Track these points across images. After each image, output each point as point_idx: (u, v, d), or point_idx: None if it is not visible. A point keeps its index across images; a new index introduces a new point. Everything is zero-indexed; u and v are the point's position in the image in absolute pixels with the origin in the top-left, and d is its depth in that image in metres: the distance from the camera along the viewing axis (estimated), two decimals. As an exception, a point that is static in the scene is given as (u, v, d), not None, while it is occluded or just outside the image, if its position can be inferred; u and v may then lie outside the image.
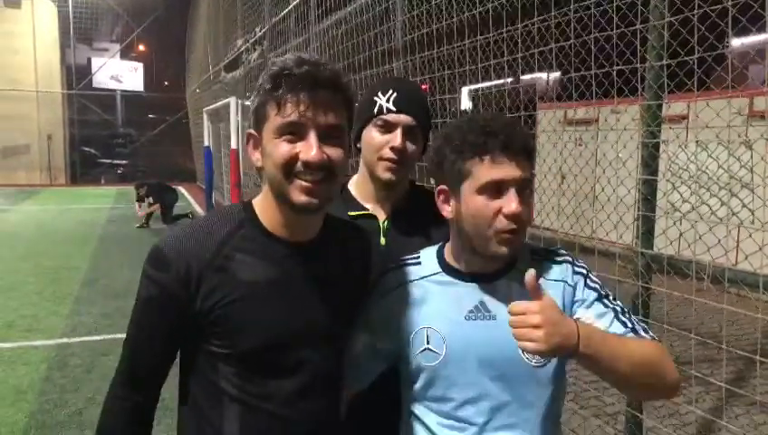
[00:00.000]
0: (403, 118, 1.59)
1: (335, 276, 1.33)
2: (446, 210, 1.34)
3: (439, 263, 1.41)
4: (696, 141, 2.91)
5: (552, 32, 3.14)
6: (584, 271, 1.38)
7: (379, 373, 1.46)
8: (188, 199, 17.66)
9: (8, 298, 6.88)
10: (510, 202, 1.24)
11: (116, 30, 26.88)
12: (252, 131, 1.26)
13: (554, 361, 1.31)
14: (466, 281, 1.36)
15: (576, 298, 1.34)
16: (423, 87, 4.20)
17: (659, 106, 2.59)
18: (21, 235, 11.48)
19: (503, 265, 1.35)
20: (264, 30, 9.75)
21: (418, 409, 1.40)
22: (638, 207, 2.67)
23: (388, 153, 1.58)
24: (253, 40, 10.85)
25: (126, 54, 26.70)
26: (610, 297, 1.35)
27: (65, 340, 5.51)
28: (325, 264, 1.32)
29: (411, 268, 1.44)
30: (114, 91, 26.29)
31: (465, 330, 1.32)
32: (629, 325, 1.30)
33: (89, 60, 25.85)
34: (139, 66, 26.67)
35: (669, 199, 2.98)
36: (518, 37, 3.29)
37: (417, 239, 1.57)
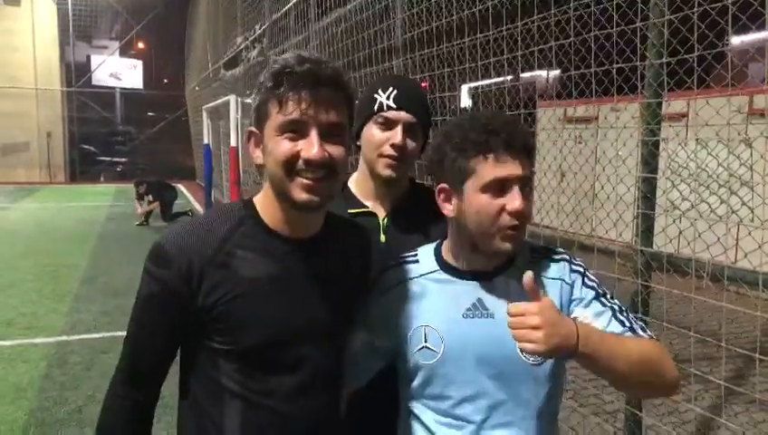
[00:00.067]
0: (403, 115, 1.60)
1: (335, 274, 1.33)
2: (447, 209, 1.34)
3: (437, 261, 1.42)
4: (696, 139, 2.91)
5: (551, 29, 3.14)
6: (581, 269, 1.38)
7: (378, 371, 1.47)
8: (188, 197, 17.66)
9: (8, 296, 6.88)
10: (514, 199, 1.25)
11: (115, 27, 26.84)
12: (253, 129, 1.26)
13: (552, 359, 1.31)
14: (464, 279, 1.36)
15: (574, 296, 1.34)
16: (423, 85, 4.19)
17: (659, 104, 2.59)
18: (20, 232, 11.48)
19: (501, 264, 1.36)
20: (263, 27, 9.75)
21: (416, 407, 1.40)
22: (638, 205, 2.68)
23: (388, 150, 1.59)
24: (252, 37, 10.84)
25: (125, 52, 26.66)
26: (608, 296, 1.36)
27: (65, 337, 5.51)
28: (326, 261, 1.32)
29: (409, 266, 1.44)
30: (113, 88, 26.24)
31: (463, 328, 1.32)
32: (627, 324, 1.30)
33: (88, 57, 25.81)
34: (139, 64, 26.63)
35: (669, 197, 2.99)
36: (518, 35, 3.29)
37: (416, 237, 1.57)
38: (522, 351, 1.16)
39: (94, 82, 25.55)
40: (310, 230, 1.31)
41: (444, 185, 1.34)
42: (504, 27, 3.41)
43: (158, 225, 12.14)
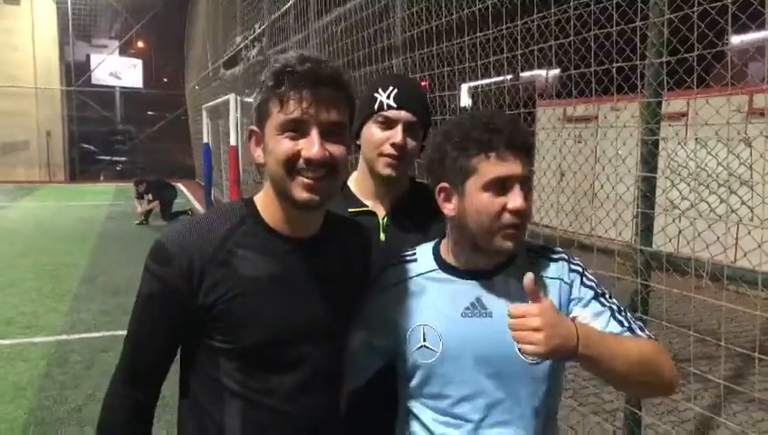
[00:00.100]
0: (403, 114, 1.60)
1: (336, 273, 1.34)
2: (448, 208, 1.34)
3: (435, 260, 1.42)
4: (696, 139, 2.91)
5: (551, 29, 3.14)
6: (580, 269, 1.39)
7: (377, 370, 1.47)
8: (187, 196, 17.65)
9: (7, 295, 6.88)
10: (515, 198, 1.25)
11: (115, 27, 26.81)
12: (254, 128, 1.26)
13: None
14: (463, 278, 1.37)
15: (572, 296, 1.35)
16: (422, 84, 4.19)
17: (659, 103, 2.59)
18: (20, 232, 11.47)
19: (500, 263, 1.36)
20: (263, 27, 9.75)
21: (415, 406, 1.40)
22: (638, 205, 2.68)
23: (388, 149, 1.59)
24: (252, 37, 10.84)
25: (125, 51, 26.63)
26: (606, 295, 1.36)
27: (64, 337, 5.51)
28: (326, 260, 1.32)
29: (407, 266, 1.44)
30: (113, 87, 26.21)
31: (462, 327, 1.32)
32: (626, 324, 1.31)
33: (88, 56, 25.78)
34: (138, 63, 26.60)
35: (668, 197, 2.99)
36: (518, 34, 3.29)
37: (416, 236, 1.57)
38: (522, 352, 1.16)
39: (94, 81, 25.52)
40: (310, 229, 1.31)
41: (444, 184, 1.34)
42: (504, 26, 3.41)
43: (157, 224, 12.14)
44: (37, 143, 23.87)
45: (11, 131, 23.02)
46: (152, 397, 1.32)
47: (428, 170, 1.40)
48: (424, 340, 1.35)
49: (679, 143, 3.13)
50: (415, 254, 1.46)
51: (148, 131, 26.42)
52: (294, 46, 7.83)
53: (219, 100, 11.56)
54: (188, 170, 23.08)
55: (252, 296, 1.23)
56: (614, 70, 2.75)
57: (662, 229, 2.78)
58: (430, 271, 1.41)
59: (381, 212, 1.67)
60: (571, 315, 1.32)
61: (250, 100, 9.67)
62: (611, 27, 2.73)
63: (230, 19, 13.02)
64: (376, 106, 1.61)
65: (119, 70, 26.14)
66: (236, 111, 9.94)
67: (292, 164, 1.19)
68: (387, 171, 1.60)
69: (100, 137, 25.98)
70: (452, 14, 3.85)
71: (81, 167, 25.41)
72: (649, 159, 2.62)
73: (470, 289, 1.35)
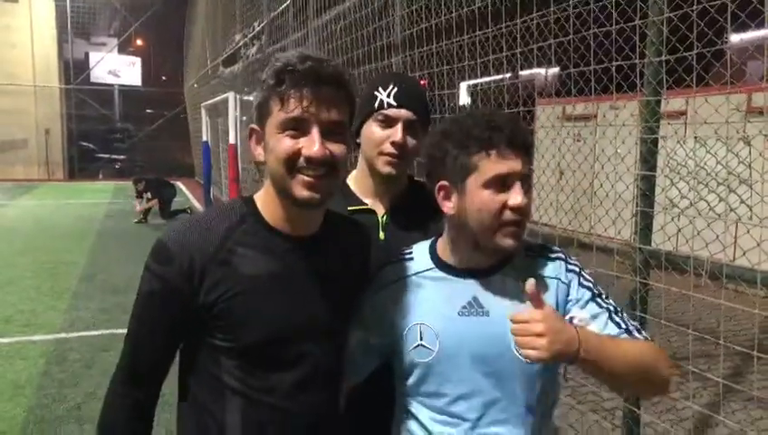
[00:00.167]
0: (404, 113, 1.60)
1: (335, 271, 1.34)
2: (447, 206, 1.34)
3: (432, 258, 1.42)
4: (695, 137, 2.91)
5: (551, 27, 3.14)
6: (577, 268, 1.39)
7: (374, 369, 1.47)
8: (187, 195, 17.64)
9: (6, 293, 6.88)
10: (516, 195, 1.25)
11: (114, 25, 26.77)
12: (254, 126, 1.27)
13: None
14: (460, 277, 1.37)
15: (570, 296, 1.35)
16: (422, 82, 4.19)
17: (658, 102, 2.59)
18: (19, 230, 11.47)
19: (497, 261, 1.36)
20: (262, 25, 9.74)
21: (412, 404, 1.40)
22: (637, 203, 2.68)
23: (388, 148, 1.59)
24: (251, 35, 10.84)
25: (124, 49, 26.60)
26: (603, 296, 1.36)
27: (63, 335, 5.51)
28: (326, 259, 1.32)
29: (404, 264, 1.44)
30: (112, 85, 26.20)
31: (459, 326, 1.32)
32: (623, 326, 1.31)
33: (86, 54, 25.75)
34: (137, 61, 26.58)
35: (668, 195, 2.99)
36: (517, 33, 3.29)
37: (415, 234, 1.57)
38: (525, 358, 1.16)
39: (93, 79, 25.49)
40: (310, 228, 1.31)
41: (444, 182, 1.33)
42: (504, 24, 3.41)
43: (156, 222, 12.14)
44: (36, 141, 23.85)
45: (10, 129, 23.00)
46: (152, 396, 1.32)
47: (427, 169, 1.39)
48: (421, 339, 1.34)
49: (678, 142, 3.13)
50: (411, 252, 1.46)
51: (147, 130, 26.41)
52: (293, 44, 7.83)
53: (218, 98, 11.55)
54: (187, 169, 23.07)
55: (252, 295, 1.23)
56: (613, 68, 2.75)
57: (661, 228, 2.79)
58: (427, 270, 1.41)
59: (380, 210, 1.67)
60: (568, 316, 1.32)
61: (249, 98, 9.68)
62: (611, 26, 2.73)
63: (229, 17, 13.01)
64: (376, 104, 1.61)
65: (117, 68, 26.12)
66: (235, 109, 9.93)
67: (292, 162, 1.19)
68: (387, 170, 1.60)
69: (99, 135, 25.97)
70: (451, 12, 3.84)
71: (80, 165, 25.40)
72: (648, 157, 2.63)
73: (467, 288, 1.35)
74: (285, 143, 1.19)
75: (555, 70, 4.50)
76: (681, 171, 3.07)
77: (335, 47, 5.88)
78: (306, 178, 1.19)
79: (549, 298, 1.33)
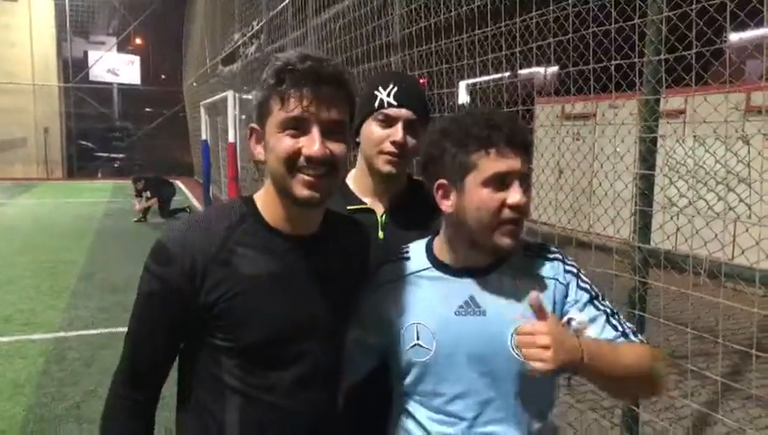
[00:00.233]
0: (404, 112, 1.60)
1: (335, 271, 1.34)
2: (446, 205, 1.34)
3: (429, 258, 1.42)
4: (694, 136, 2.91)
5: (550, 26, 3.14)
6: (575, 270, 1.39)
7: (372, 368, 1.47)
8: (186, 193, 17.63)
9: (5, 292, 6.87)
10: (515, 193, 1.26)
11: (113, 23, 26.76)
12: (255, 126, 1.27)
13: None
14: (456, 276, 1.37)
15: (568, 298, 1.35)
16: (421, 81, 4.19)
17: (657, 101, 2.59)
18: (18, 228, 11.46)
19: (494, 260, 1.36)
20: (261, 23, 9.74)
21: (409, 403, 1.40)
22: (636, 202, 2.68)
23: (388, 147, 1.59)
24: (250, 33, 10.83)
25: (123, 48, 26.58)
26: (600, 298, 1.37)
27: (63, 334, 5.51)
28: (326, 258, 1.33)
29: (400, 264, 1.44)
30: (111, 84, 26.18)
31: (455, 325, 1.32)
32: (620, 329, 1.33)
33: (85, 53, 25.73)
34: (136, 60, 26.56)
35: (666, 194, 2.99)
36: (516, 31, 3.29)
37: (414, 233, 1.57)
38: (532, 369, 1.16)
39: (92, 77, 25.47)
40: (310, 227, 1.31)
41: (442, 181, 1.33)
42: (503, 23, 3.41)
43: (155, 221, 12.14)
44: (35, 140, 23.84)
45: (8, 128, 22.99)
46: (153, 397, 1.32)
47: (425, 167, 1.39)
48: (417, 338, 1.35)
49: (677, 141, 3.13)
50: (408, 252, 1.46)
51: (147, 128, 26.39)
52: (292, 43, 7.82)
53: (217, 97, 11.54)
54: (187, 167, 23.05)
55: (252, 295, 1.23)
56: (612, 67, 2.75)
57: (660, 227, 2.79)
58: (424, 269, 1.41)
59: (380, 209, 1.67)
60: (566, 317, 1.33)
61: (248, 96, 9.67)
62: (610, 25, 2.73)
63: (228, 16, 13.00)
64: (376, 104, 1.61)
65: (116, 66, 26.10)
66: (235, 107, 9.92)
67: (292, 162, 1.19)
68: (387, 169, 1.60)
69: (98, 134, 25.95)
70: (450, 10, 3.84)
71: (79, 164, 25.38)
72: (647, 156, 2.63)
73: (464, 287, 1.35)
74: (285, 142, 1.19)
75: (554, 69, 4.50)
76: (680, 170, 3.07)
77: (334, 46, 5.88)
78: (306, 178, 1.19)
79: (546, 298, 1.33)
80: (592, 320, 1.33)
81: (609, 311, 1.35)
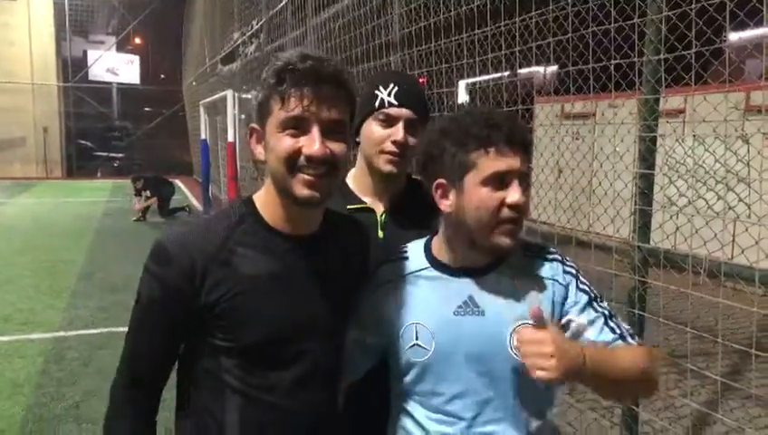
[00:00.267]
0: (404, 111, 1.60)
1: (335, 271, 1.34)
2: (445, 204, 1.34)
3: (427, 258, 1.42)
4: (693, 135, 2.91)
5: (549, 25, 3.14)
6: (574, 271, 1.40)
7: (372, 368, 1.47)
8: (185, 193, 17.62)
9: (5, 292, 6.87)
10: (514, 192, 1.26)
11: (112, 22, 26.75)
12: (255, 125, 1.27)
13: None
14: (455, 276, 1.37)
15: (568, 299, 1.36)
16: (420, 80, 4.19)
17: (657, 100, 2.59)
18: (17, 228, 11.46)
19: (493, 260, 1.36)
20: (260, 23, 9.73)
21: (408, 403, 1.40)
22: (635, 202, 2.68)
23: (389, 147, 1.59)
24: (249, 33, 10.82)
25: (122, 47, 26.58)
26: (599, 299, 1.38)
27: (62, 333, 5.50)
28: (326, 258, 1.33)
29: (400, 264, 1.44)
30: (110, 83, 26.17)
31: (454, 326, 1.33)
32: (618, 331, 1.33)
33: (85, 52, 25.72)
34: (136, 59, 26.55)
35: (666, 193, 2.99)
36: (516, 31, 3.29)
37: (414, 233, 1.57)
38: (536, 378, 1.16)
39: (91, 77, 25.47)
40: (310, 227, 1.31)
41: (441, 180, 1.33)
42: (502, 23, 3.41)
43: (155, 220, 12.14)
44: (34, 139, 23.83)
45: (8, 128, 22.99)
46: (155, 400, 1.32)
47: (424, 167, 1.39)
48: (416, 338, 1.35)
49: (677, 140, 3.13)
50: (406, 252, 1.46)
51: (146, 128, 26.39)
52: (292, 42, 7.82)
53: (217, 96, 11.54)
54: (186, 167, 23.05)
55: (252, 295, 1.23)
56: (612, 67, 2.75)
57: (660, 226, 2.79)
58: (422, 269, 1.41)
59: (380, 209, 1.67)
60: (566, 318, 1.34)
61: (248, 96, 9.66)
62: (609, 24, 2.73)
63: (227, 15, 12.98)
64: (377, 103, 1.61)
65: (116, 66, 26.09)
66: (234, 107, 9.91)
67: (293, 161, 1.19)
68: (388, 168, 1.61)
69: (98, 133, 25.95)
70: (450, 10, 3.84)
71: (78, 163, 25.38)
72: (647, 155, 2.63)
73: (462, 287, 1.35)
74: (286, 142, 1.19)
75: (554, 68, 4.50)
76: (679, 169, 3.07)
77: (333, 45, 5.87)
78: (306, 177, 1.19)
79: (545, 299, 1.34)
80: (591, 322, 1.33)
81: (607, 313, 1.35)
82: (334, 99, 1.20)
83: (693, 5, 2.37)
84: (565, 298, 1.35)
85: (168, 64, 26.45)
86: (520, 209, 1.27)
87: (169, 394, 1.35)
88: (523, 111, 3.62)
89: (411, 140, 1.61)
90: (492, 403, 1.32)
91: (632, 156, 2.80)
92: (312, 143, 1.18)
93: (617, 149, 3.25)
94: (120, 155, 26.41)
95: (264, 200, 1.30)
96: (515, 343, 1.28)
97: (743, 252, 2.70)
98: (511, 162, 1.26)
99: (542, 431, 1.37)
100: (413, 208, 1.63)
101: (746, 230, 2.57)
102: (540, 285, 1.35)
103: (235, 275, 1.23)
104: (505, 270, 1.35)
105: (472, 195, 1.28)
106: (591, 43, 2.85)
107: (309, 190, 1.20)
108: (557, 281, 1.36)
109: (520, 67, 3.57)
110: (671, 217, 2.82)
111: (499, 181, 1.26)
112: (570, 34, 2.99)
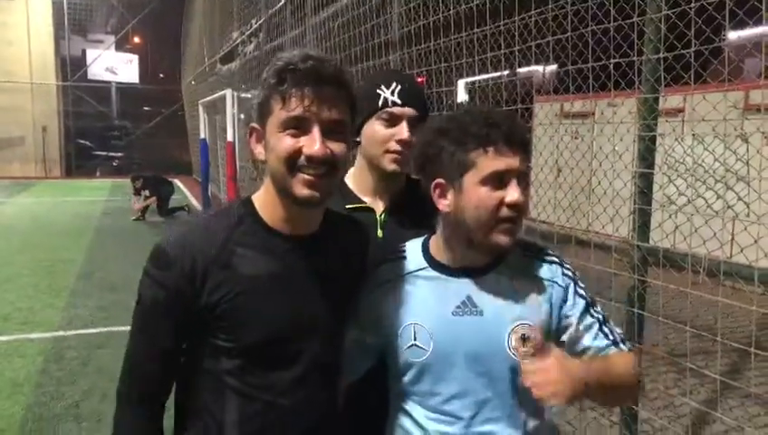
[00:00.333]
0: (408, 110, 1.61)
1: (335, 271, 1.34)
2: (443, 204, 1.34)
3: (425, 257, 1.42)
4: (693, 134, 2.91)
5: (549, 24, 3.14)
6: (572, 274, 1.41)
7: (371, 367, 1.48)
8: (184, 192, 17.61)
9: (4, 291, 6.87)
10: (513, 192, 1.26)
11: (111, 22, 26.73)
12: (255, 125, 1.27)
13: (540, 355, 1.34)
14: (454, 276, 1.37)
15: (567, 302, 1.37)
16: (420, 79, 4.19)
17: (656, 99, 2.59)
18: (16, 227, 11.45)
19: (492, 260, 1.36)
20: (259, 22, 9.72)
21: (407, 403, 1.41)
22: (635, 201, 2.68)
23: (394, 146, 1.59)
24: (249, 32, 10.81)
25: (121, 46, 26.55)
26: (595, 305, 1.40)
27: (61, 333, 5.50)
28: (325, 258, 1.33)
29: (398, 263, 1.44)
30: (109, 83, 26.14)
31: (453, 326, 1.33)
32: (611, 337, 1.36)
33: (83, 51, 25.70)
34: (135, 58, 26.52)
35: (665, 192, 2.99)
36: (515, 30, 3.29)
37: (413, 232, 1.57)
38: (545, 403, 1.17)
39: (90, 76, 25.44)
40: (309, 227, 1.31)
41: (440, 180, 1.33)
42: (502, 22, 3.41)
43: (154, 220, 12.14)
44: (33, 139, 23.82)
45: (7, 127, 22.98)
46: (163, 406, 1.32)
47: (422, 167, 1.39)
48: (415, 338, 1.35)
49: (676, 139, 3.13)
50: (404, 251, 1.46)
51: (145, 127, 26.37)
52: (291, 41, 7.81)
53: (216, 95, 11.53)
54: (185, 166, 23.03)
55: (252, 295, 1.23)
56: (611, 66, 2.75)
57: (659, 225, 2.79)
58: (420, 269, 1.41)
59: (379, 208, 1.67)
60: (564, 320, 1.35)
61: (247, 95, 9.66)
62: (609, 23, 2.73)
63: (227, 14, 12.97)
64: (380, 103, 1.61)
65: (115, 65, 26.06)
66: (233, 106, 9.91)
67: (293, 161, 1.19)
68: (392, 167, 1.61)
69: (97, 132, 25.94)
70: (449, 9, 3.84)
71: (77, 162, 25.37)
72: (646, 155, 2.63)
73: (461, 287, 1.35)
74: (286, 142, 1.19)
75: (553, 67, 4.50)
76: (679, 168, 3.07)
77: (333, 44, 5.87)
78: (306, 177, 1.19)
79: (544, 300, 1.35)
80: (587, 328, 1.36)
81: (601, 318, 1.38)
82: (335, 99, 1.20)
83: (692, 4, 2.37)
84: (563, 301, 1.36)
85: (167, 64, 26.44)
86: (519, 209, 1.27)
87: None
88: (522, 111, 3.62)
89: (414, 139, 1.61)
90: (490, 403, 1.32)
91: (631, 155, 2.80)
92: (313, 143, 1.18)
93: (616, 148, 3.25)
94: (119, 154, 26.40)
95: (264, 200, 1.30)
96: (513, 343, 1.29)
97: (742, 251, 2.70)
98: (510, 161, 1.26)
99: (540, 431, 1.37)
100: (412, 208, 1.63)
101: (745, 229, 2.57)
102: (539, 286, 1.36)
103: (235, 276, 1.22)
104: (504, 270, 1.36)
105: (471, 194, 1.28)
106: (591, 42, 2.85)
107: (309, 190, 1.20)
108: (556, 283, 1.37)
109: (519, 66, 3.57)
110: (670, 216, 2.82)
111: (498, 180, 1.26)
112: (569, 33, 2.99)
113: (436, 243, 1.42)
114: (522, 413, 1.33)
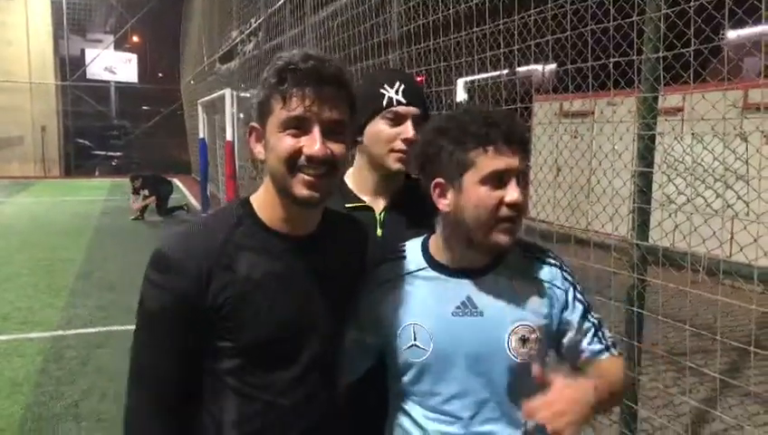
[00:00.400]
0: (413, 109, 1.61)
1: (334, 270, 1.34)
2: (443, 203, 1.34)
3: (424, 257, 1.42)
4: (692, 133, 2.92)
5: (548, 23, 3.14)
6: (572, 278, 1.41)
7: (370, 367, 1.48)
8: (183, 191, 17.61)
9: (3, 290, 6.87)
10: (512, 191, 1.26)
11: (110, 21, 26.71)
12: (255, 124, 1.26)
13: (539, 355, 1.35)
14: (453, 276, 1.37)
15: (567, 305, 1.37)
16: (419, 79, 4.19)
17: (655, 98, 2.59)
18: (15, 227, 11.45)
19: (491, 261, 1.36)
20: (259, 21, 9.72)
21: (406, 402, 1.41)
22: (634, 200, 2.68)
23: (400, 145, 1.59)
24: (248, 31, 10.81)
25: (120, 46, 26.53)
26: (591, 310, 1.41)
27: (61, 332, 5.49)
28: (324, 258, 1.32)
29: (398, 263, 1.44)
30: (108, 82, 26.11)
31: (452, 326, 1.33)
32: (605, 343, 1.38)
33: (82, 51, 25.67)
34: (133, 58, 26.49)
35: (665, 191, 3.00)
36: (514, 29, 3.29)
37: (413, 231, 1.57)
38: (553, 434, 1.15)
39: (89, 75, 25.41)
40: (309, 227, 1.31)
41: (439, 179, 1.33)
42: (501, 21, 3.41)
43: (153, 219, 12.13)
44: (32, 138, 23.79)
45: (6, 127, 22.95)
46: (184, 414, 1.27)
47: (421, 166, 1.39)
48: (414, 339, 1.35)
49: (676, 138, 3.13)
50: (404, 251, 1.46)
51: (144, 126, 26.34)
52: (290, 41, 7.82)
53: (215, 95, 11.54)
54: (184, 166, 23.01)
55: (252, 295, 1.23)
56: (611, 65, 2.75)
57: (658, 224, 2.79)
58: (420, 269, 1.40)
59: (378, 207, 1.67)
60: (563, 323, 1.37)
61: (246, 95, 9.66)
62: (608, 22, 2.73)
63: (226, 14, 12.97)
64: (384, 102, 1.61)
65: (114, 65, 26.02)
66: (232, 106, 9.91)
67: (293, 161, 1.19)
68: (397, 166, 1.61)
69: (96, 132, 25.91)
70: (448, 8, 3.84)
71: (77, 162, 25.35)
72: (646, 154, 2.63)
73: (460, 288, 1.35)
74: (286, 142, 1.19)
75: (552, 66, 4.50)
76: (678, 168, 3.07)
77: (332, 44, 5.87)
78: (306, 177, 1.19)
79: (543, 303, 1.35)
80: (584, 333, 1.38)
81: (597, 323, 1.39)
82: (335, 99, 1.20)
83: (691, 3, 2.37)
84: (563, 304, 1.37)
85: (166, 63, 26.42)
86: (518, 208, 1.27)
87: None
88: (521, 110, 3.62)
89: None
90: (489, 403, 1.32)
91: (631, 154, 2.80)
92: (313, 143, 1.18)
93: (615, 147, 3.25)
94: (119, 154, 26.37)
95: (263, 200, 1.29)
96: (514, 344, 1.30)
97: (741, 250, 2.70)
98: (509, 161, 1.26)
99: (539, 430, 1.38)
100: (412, 207, 1.63)
101: (745, 228, 2.57)
102: (538, 287, 1.36)
103: (236, 277, 1.22)
104: (503, 271, 1.36)
105: (470, 194, 1.28)
106: (590, 41, 2.85)
107: (308, 190, 1.20)
108: (556, 285, 1.37)
109: (518, 65, 3.57)
110: (670, 215, 2.82)
111: (498, 180, 1.26)
112: (569, 32, 2.99)
113: (435, 243, 1.42)
114: (521, 413, 1.33)
